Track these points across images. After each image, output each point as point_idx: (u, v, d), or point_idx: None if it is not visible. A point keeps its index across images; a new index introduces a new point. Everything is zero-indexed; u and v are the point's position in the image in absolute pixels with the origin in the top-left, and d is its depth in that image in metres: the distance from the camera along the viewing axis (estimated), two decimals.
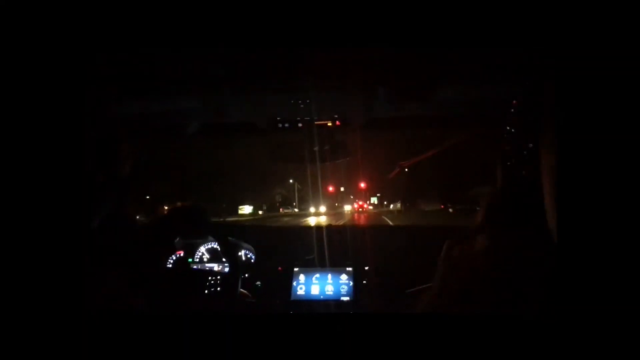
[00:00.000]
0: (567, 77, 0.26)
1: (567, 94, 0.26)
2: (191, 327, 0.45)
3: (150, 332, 0.43)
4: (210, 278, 1.17)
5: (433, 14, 0.57)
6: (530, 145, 0.34)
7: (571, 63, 0.26)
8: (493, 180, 0.46)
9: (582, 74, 0.26)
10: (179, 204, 1.09)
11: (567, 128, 0.26)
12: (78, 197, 0.41)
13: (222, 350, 0.44)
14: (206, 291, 1.14)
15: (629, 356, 0.24)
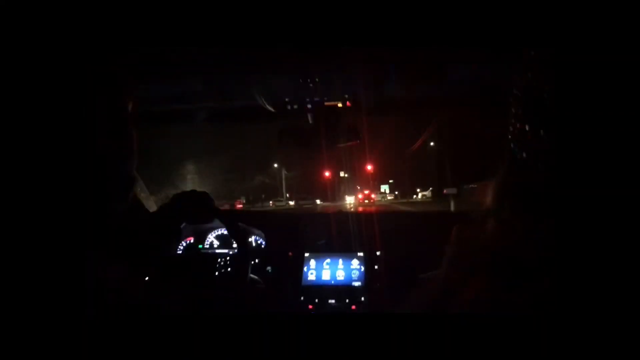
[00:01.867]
0: (568, 70, 0.36)
1: (568, 84, 0.35)
2: (195, 328, 0.55)
3: (153, 332, 0.52)
4: (219, 260, 1.50)
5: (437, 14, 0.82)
6: (535, 129, 0.41)
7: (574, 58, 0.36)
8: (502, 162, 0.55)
9: (585, 67, 0.35)
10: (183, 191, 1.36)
11: (567, 115, 0.34)
12: (83, 190, 0.52)
13: (224, 351, 0.55)
14: (216, 273, 1.48)
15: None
